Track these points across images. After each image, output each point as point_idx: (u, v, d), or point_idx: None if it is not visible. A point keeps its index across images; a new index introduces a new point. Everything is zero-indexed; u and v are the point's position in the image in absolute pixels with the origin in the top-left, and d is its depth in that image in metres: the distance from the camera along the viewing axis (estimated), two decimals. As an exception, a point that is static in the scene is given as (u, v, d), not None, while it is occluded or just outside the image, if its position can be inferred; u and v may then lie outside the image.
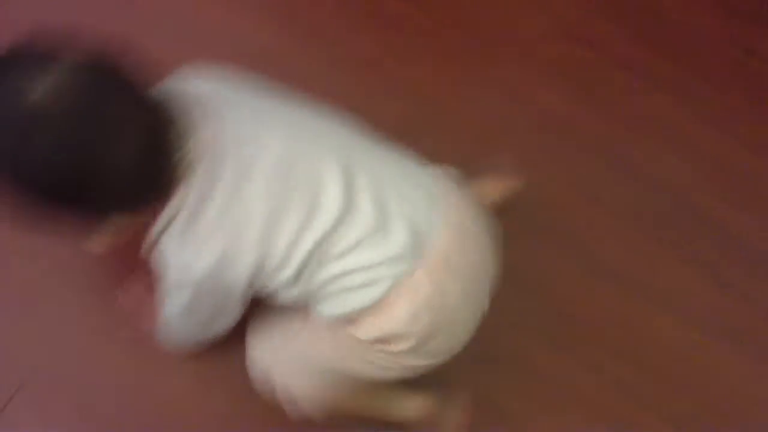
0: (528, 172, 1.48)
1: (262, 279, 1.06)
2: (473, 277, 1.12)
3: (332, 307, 1.09)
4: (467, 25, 1.68)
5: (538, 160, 1.55)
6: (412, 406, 1.30)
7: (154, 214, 1.03)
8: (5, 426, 1.31)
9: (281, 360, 1.20)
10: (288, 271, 1.05)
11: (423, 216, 1.08)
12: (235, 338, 1.22)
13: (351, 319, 1.09)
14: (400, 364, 1.11)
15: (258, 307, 1.19)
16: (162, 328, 1.23)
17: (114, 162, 0.94)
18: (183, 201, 1.01)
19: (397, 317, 1.07)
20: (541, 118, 1.60)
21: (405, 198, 1.08)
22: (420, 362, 1.12)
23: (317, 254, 1.04)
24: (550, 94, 1.62)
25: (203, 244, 1.03)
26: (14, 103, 0.90)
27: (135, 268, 1.36)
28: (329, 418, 1.24)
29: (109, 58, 0.95)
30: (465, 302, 1.12)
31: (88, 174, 0.93)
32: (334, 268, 1.05)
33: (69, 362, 1.35)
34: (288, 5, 1.69)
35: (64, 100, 0.90)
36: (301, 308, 1.14)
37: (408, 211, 1.08)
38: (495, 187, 1.45)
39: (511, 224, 1.32)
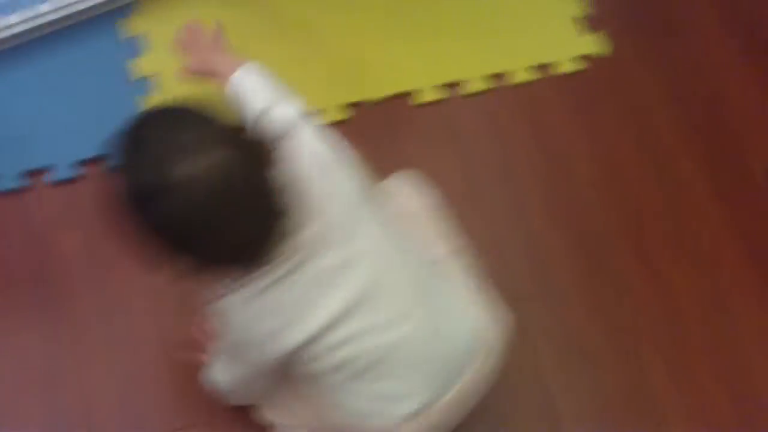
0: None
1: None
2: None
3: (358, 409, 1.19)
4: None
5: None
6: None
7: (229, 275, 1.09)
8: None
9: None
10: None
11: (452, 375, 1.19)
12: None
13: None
14: None
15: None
16: (210, 373, 1.31)
17: (232, 236, 1.01)
18: (263, 276, 1.07)
19: None
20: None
21: (450, 357, 1.19)
22: None
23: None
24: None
25: (267, 314, 1.10)
26: (174, 162, 0.97)
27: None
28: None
29: (254, 138, 1.04)
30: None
31: (205, 240, 1.01)
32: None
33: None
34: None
35: (213, 175, 0.97)
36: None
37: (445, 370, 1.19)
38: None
39: None
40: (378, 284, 1.13)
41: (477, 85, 1.68)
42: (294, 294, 1.09)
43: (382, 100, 1.59)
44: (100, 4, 1.66)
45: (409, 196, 1.37)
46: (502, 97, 1.69)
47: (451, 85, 1.66)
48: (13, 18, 1.61)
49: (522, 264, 1.56)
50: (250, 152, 1.02)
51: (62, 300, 1.47)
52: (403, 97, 1.65)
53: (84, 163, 1.56)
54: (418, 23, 1.73)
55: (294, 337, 1.10)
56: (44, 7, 1.62)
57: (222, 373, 1.29)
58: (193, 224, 1.00)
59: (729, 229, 1.62)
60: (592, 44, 1.75)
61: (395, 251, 1.16)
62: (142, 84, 1.62)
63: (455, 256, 1.31)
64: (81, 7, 1.64)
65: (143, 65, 1.64)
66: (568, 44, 1.75)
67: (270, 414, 1.35)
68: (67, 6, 1.64)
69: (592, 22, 1.78)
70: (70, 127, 1.58)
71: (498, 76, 1.70)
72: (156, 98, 1.59)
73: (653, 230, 1.61)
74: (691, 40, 1.80)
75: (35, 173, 1.55)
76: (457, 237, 1.35)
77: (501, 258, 1.54)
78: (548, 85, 1.71)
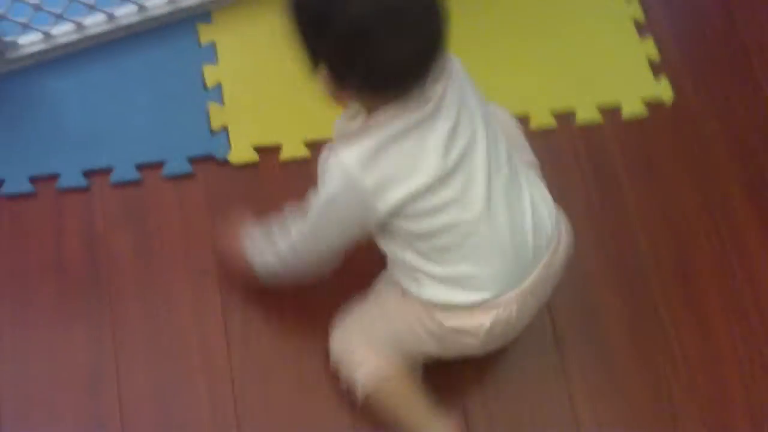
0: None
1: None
2: (538, 303, 1.33)
3: (435, 294, 1.25)
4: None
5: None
6: (441, 426, 1.36)
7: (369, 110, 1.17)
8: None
9: (355, 329, 1.38)
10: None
11: (539, 245, 1.27)
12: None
13: (444, 307, 1.26)
14: (461, 345, 1.31)
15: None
16: (270, 256, 1.36)
17: (398, 51, 1.09)
18: (411, 114, 1.15)
19: (480, 324, 1.26)
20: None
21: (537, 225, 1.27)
22: (476, 348, 1.31)
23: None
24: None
25: (384, 167, 1.16)
26: None
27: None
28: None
29: None
30: (528, 318, 1.33)
31: (375, 50, 1.08)
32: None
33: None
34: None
35: None
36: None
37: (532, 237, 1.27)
38: None
39: None
40: (479, 165, 1.20)
41: (543, 121, 1.68)
42: (417, 145, 1.16)
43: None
44: (180, 10, 1.67)
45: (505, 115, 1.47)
46: (567, 135, 1.68)
47: (517, 119, 1.66)
48: (90, 20, 1.62)
49: (570, 304, 1.55)
50: None
51: (111, 301, 1.47)
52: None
53: (147, 166, 1.56)
54: (491, 53, 1.74)
55: (400, 191, 1.16)
56: (124, 11, 1.64)
57: (288, 248, 1.32)
58: (370, 30, 1.07)
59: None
60: (659, 88, 1.75)
61: (497, 144, 1.24)
62: (217, 91, 1.63)
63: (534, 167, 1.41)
64: (160, 12, 1.66)
65: (217, 72, 1.64)
66: (636, 87, 1.75)
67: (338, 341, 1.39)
68: (146, 11, 1.65)
69: (660, 67, 1.77)
70: (137, 129, 1.59)
71: (565, 113, 1.70)
72: (225, 108, 1.61)
73: (706, 281, 1.60)
74: (763, 85, 1.80)
75: (97, 173, 1.55)
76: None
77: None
78: (613, 128, 1.70)
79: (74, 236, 1.51)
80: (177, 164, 1.56)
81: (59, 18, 1.58)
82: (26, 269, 1.48)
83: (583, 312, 1.55)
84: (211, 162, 1.57)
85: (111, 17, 1.64)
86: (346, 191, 1.18)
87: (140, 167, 1.56)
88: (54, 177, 1.54)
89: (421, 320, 1.28)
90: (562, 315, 1.53)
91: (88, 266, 1.49)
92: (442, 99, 1.16)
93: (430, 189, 1.17)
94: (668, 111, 1.74)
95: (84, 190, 1.54)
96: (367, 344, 1.35)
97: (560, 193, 1.59)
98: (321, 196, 1.21)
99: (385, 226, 1.22)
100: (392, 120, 1.14)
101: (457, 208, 1.20)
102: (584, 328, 1.54)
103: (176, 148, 1.57)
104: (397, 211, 1.18)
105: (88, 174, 1.55)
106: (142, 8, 1.65)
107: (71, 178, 1.54)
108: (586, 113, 1.70)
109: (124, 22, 1.65)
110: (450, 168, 1.17)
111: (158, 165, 1.56)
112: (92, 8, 1.60)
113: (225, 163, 1.56)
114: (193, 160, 1.57)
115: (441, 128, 1.16)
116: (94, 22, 1.63)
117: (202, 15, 1.70)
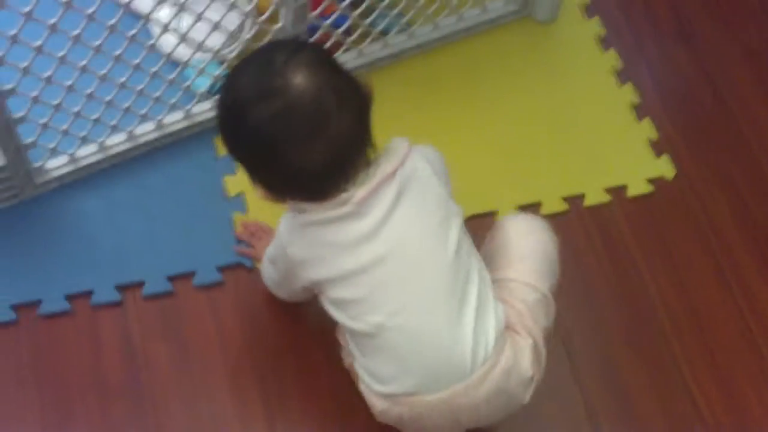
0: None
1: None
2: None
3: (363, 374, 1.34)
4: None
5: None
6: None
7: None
8: None
9: None
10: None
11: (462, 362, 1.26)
12: None
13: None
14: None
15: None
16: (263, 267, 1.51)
17: (306, 162, 1.18)
18: (326, 212, 1.23)
19: (387, 410, 1.33)
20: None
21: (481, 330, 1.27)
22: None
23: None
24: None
25: (306, 245, 1.27)
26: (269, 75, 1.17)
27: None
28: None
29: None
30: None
31: (286, 158, 1.18)
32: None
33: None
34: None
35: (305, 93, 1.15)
36: None
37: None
38: None
39: None
40: (401, 271, 1.24)
41: (554, 206, 1.74)
42: (335, 237, 1.24)
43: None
44: (196, 125, 1.74)
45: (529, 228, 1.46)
46: (578, 218, 1.75)
47: (530, 206, 1.72)
48: (112, 140, 1.68)
49: (596, 382, 1.59)
50: (349, 92, 1.19)
51: (155, 409, 1.50)
52: (483, 217, 1.70)
53: (177, 277, 1.61)
54: (499, 141, 1.81)
55: (317, 272, 1.27)
56: (143, 129, 1.70)
57: (265, 270, 1.48)
58: (275, 139, 1.17)
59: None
60: (661, 166, 1.82)
61: (447, 252, 1.26)
62: (238, 200, 1.68)
63: (531, 293, 1.37)
64: (177, 127, 1.73)
65: (238, 182, 1.70)
66: (639, 166, 1.82)
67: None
68: (163, 127, 1.72)
69: (660, 145, 1.85)
70: (165, 242, 1.64)
71: (574, 198, 1.77)
72: (248, 215, 1.66)
73: (728, 355, 1.65)
74: (760, 160, 1.88)
75: (130, 287, 1.59)
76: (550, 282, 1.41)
77: (573, 372, 1.59)
78: (621, 206, 1.77)
79: (112, 350, 1.54)
80: (207, 274, 1.61)
81: (84, 140, 1.64)
82: (68, 385, 1.51)
83: (614, 390, 1.59)
84: (239, 269, 1.62)
85: (131, 136, 1.70)
86: (280, 249, 1.32)
87: (171, 278, 1.61)
88: (88, 294, 1.58)
89: None
90: (593, 392, 1.58)
91: (128, 378, 1.52)
92: (363, 204, 1.21)
93: (338, 282, 1.27)
94: (672, 185, 1.81)
95: (118, 304, 1.58)
96: None
97: (577, 273, 1.65)
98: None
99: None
100: (314, 210, 1.24)
101: (365, 306, 1.26)
102: (616, 406, 1.58)
103: (205, 258, 1.62)
104: (318, 288, 1.31)
105: (121, 288, 1.59)
106: (159, 125, 1.71)
107: (105, 293, 1.58)
108: (595, 195, 1.77)
109: (144, 139, 1.71)
110: (358, 269, 1.24)
111: (189, 275, 1.61)
112: (115, 128, 1.66)
113: (253, 269, 1.61)
114: (222, 269, 1.62)
115: (356, 229, 1.23)
116: (116, 142, 1.69)
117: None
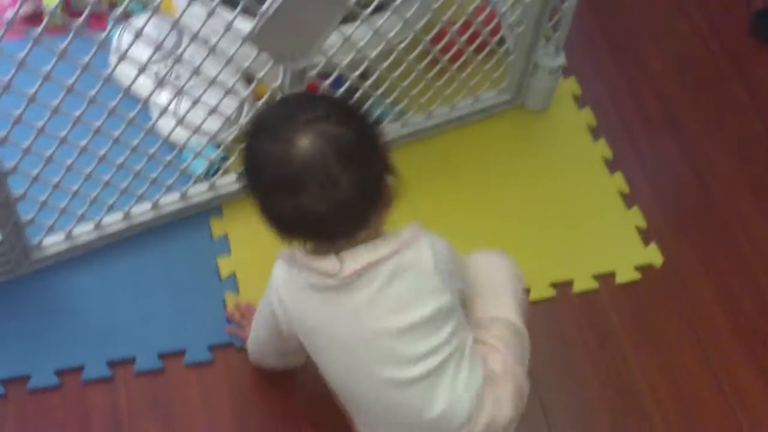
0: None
1: None
2: None
3: None
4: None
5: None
6: None
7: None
8: None
9: None
10: None
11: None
12: None
13: None
14: None
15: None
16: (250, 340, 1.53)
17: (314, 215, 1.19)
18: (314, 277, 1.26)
19: None
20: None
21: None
22: None
23: None
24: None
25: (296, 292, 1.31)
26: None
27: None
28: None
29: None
30: None
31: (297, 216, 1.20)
32: None
33: None
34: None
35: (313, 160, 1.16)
36: None
37: None
38: None
39: None
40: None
41: (542, 292, 1.76)
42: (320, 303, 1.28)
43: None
44: (191, 206, 1.78)
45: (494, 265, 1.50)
46: (566, 303, 1.77)
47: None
48: (109, 219, 1.72)
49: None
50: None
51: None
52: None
53: (169, 355, 1.62)
54: (490, 228, 1.84)
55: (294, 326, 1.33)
56: (139, 209, 1.74)
57: (252, 331, 1.51)
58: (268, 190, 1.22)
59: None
60: (649, 254, 1.85)
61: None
62: (231, 281, 1.71)
63: (505, 328, 1.40)
64: (172, 209, 1.76)
65: (229, 263, 1.73)
66: (627, 254, 1.85)
67: None
68: (159, 208, 1.75)
69: (648, 233, 1.88)
70: (157, 320, 1.65)
71: (563, 284, 1.79)
72: (239, 296, 1.68)
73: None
74: (744, 248, 1.90)
75: (121, 363, 1.61)
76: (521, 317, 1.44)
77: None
78: (609, 293, 1.79)
79: (100, 426, 1.55)
80: (198, 352, 1.63)
81: (81, 218, 1.67)
82: (56, 461, 1.52)
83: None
84: (230, 349, 1.64)
85: (127, 215, 1.73)
86: (270, 291, 1.36)
87: (162, 356, 1.62)
88: (79, 369, 1.59)
89: None
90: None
91: (117, 455, 1.53)
92: (354, 278, 1.24)
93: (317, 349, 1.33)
94: (659, 272, 1.83)
95: (109, 380, 1.59)
96: None
97: (564, 359, 1.66)
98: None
99: None
100: (304, 270, 1.27)
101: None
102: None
103: (196, 336, 1.64)
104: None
105: (112, 364, 1.60)
106: (155, 206, 1.75)
107: (96, 369, 1.59)
108: (583, 282, 1.80)
109: (140, 219, 1.74)
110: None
111: (180, 353, 1.63)
112: (111, 207, 1.69)
113: (242, 348, 1.62)
114: (213, 348, 1.63)
115: (346, 304, 1.27)
116: (112, 221, 1.72)
117: (214, 209, 1.80)
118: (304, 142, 1.16)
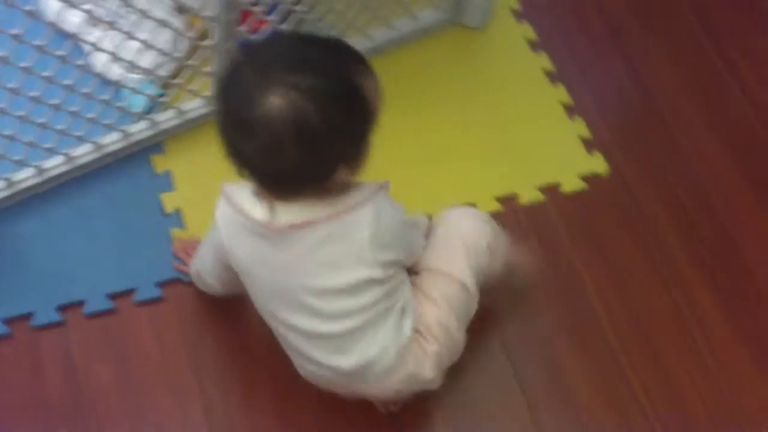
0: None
1: None
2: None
3: None
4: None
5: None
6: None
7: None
8: None
9: None
10: None
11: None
12: None
13: None
14: None
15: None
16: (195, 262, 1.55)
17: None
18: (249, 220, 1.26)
19: None
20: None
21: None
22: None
23: None
24: None
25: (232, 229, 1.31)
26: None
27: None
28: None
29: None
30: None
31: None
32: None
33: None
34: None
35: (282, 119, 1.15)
36: None
37: None
38: None
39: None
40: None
41: (488, 206, 1.77)
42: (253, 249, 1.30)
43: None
44: (133, 144, 1.76)
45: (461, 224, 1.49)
46: (512, 217, 1.77)
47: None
48: (50, 162, 1.69)
49: (535, 375, 1.62)
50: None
51: (99, 428, 1.51)
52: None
53: (118, 295, 1.62)
54: (434, 146, 1.84)
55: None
56: (81, 150, 1.72)
57: (197, 259, 1.52)
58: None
59: (731, 334, 1.69)
60: (594, 163, 1.86)
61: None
62: (176, 217, 1.70)
63: (454, 284, 1.41)
64: (114, 148, 1.74)
65: (174, 199, 1.72)
66: (572, 164, 1.86)
67: None
68: (102, 148, 1.73)
69: (592, 143, 1.89)
70: (105, 261, 1.65)
71: (508, 197, 1.80)
72: (186, 232, 1.68)
73: (664, 340, 1.68)
74: (688, 155, 1.92)
75: (70, 307, 1.60)
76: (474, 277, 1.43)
77: (512, 364, 1.62)
78: (555, 204, 1.80)
79: (54, 371, 1.55)
80: (147, 290, 1.62)
81: (20, 164, 1.65)
82: (10, 408, 1.52)
83: (554, 382, 1.63)
84: (179, 284, 1.64)
85: (68, 158, 1.71)
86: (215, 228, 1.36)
87: (112, 296, 1.62)
88: (28, 316, 1.59)
89: None
90: (533, 386, 1.61)
91: (71, 398, 1.53)
92: (285, 234, 1.25)
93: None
94: (605, 182, 1.85)
95: (59, 324, 1.59)
96: None
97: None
98: None
99: None
100: (242, 210, 1.27)
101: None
102: (557, 399, 1.61)
103: (145, 274, 1.64)
104: None
105: (61, 309, 1.60)
106: (96, 146, 1.72)
107: (45, 314, 1.59)
108: (528, 194, 1.80)
109: (82, 161, 1.72)
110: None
111: (129, 292, 1.62)
112: (52, 151, 1.67)
113: (191, 283, 1.62)
114: (161, 284, 1.63)
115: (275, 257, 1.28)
116: (54, 164, 1.70)
117: (155, 147, 1.78)
118: (275, 102, 1.14)
